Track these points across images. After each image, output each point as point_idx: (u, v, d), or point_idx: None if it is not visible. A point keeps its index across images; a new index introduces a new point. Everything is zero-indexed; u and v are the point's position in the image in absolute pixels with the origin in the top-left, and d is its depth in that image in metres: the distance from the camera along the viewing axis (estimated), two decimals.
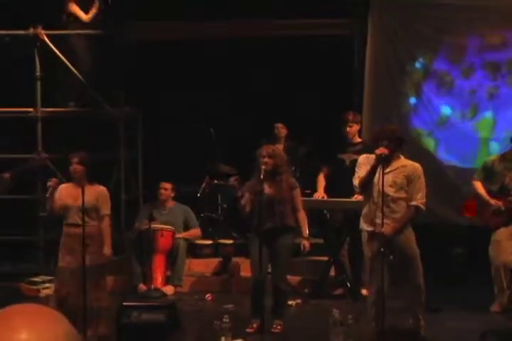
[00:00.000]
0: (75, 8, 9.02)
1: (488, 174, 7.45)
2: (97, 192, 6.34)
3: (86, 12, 9.08)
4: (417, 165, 6.15)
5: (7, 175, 7.41)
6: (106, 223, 6.42)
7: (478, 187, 7.45)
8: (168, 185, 8.83)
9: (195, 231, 8.88)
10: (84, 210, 6.18)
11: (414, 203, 6.05)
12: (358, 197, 7.20)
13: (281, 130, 9.36)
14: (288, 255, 6.76)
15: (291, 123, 9.35)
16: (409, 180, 6.06)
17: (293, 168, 9.28)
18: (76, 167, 6.31)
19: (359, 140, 8.13)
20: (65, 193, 6.37)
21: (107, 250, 6.39)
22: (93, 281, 6.19)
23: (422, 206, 6.06)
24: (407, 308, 6.23)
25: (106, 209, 6.41)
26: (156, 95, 9.83)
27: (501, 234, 7.23)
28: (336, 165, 7.98)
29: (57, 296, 6.28)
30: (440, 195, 8.62)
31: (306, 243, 6.81)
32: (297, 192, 6.79)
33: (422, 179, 6.09)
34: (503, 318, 7.06)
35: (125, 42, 9.27)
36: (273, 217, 6.60)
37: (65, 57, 8.89)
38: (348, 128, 8.03)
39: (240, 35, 9.50)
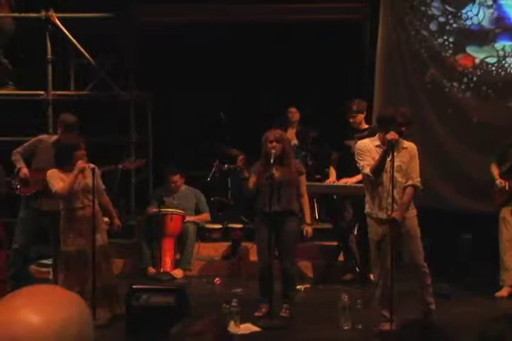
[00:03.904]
0: None
1: (502, 156, 7.68)
2: (90, 172, 6.34)
3: None
4: (413, 144, 6.18)
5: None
6: (106, 197, 6.65)
7: (493, 169, 7.67)
8: (176, 178, 8.82)
9: (205, 216, 8.91)
10: (87, 191, 6.27)
11: (412, 182, 6.06)
12: None
13: (295, 114, 9.34)
14: (295, 239, 6.78)
15: (301, 107, 9.33)
16: (410, 161, 6.08)
17: (303, 153, 9.27)
18: (84, 153, 6.33)
19: (366, 126, 8.06)
20: (63, 178, 6.30)
21: (117, 221, 6.70)
22: (105, 260, 6.35)
23: (419, 184, 6.08)
24: (414, 291, 6.23)
25: (102, 184, 6.54)
26: (166, 78, 9.80)
27: (505, 211, 7.53)
28: (343, 152, 7.96)
29: (67, 280, 6.28)
30: (449, 181, 8.61)
31: (308, 229, 6.87)
32: (303, 177, 6.83)
33: (417, 158, 6.13)
34: (510, 304, 7.05)
35: (135, 24, 9.23)
36: (280, 200, 6.60)
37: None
38: (351, 119, 7.97)
39: (250, 18, 9.46)
